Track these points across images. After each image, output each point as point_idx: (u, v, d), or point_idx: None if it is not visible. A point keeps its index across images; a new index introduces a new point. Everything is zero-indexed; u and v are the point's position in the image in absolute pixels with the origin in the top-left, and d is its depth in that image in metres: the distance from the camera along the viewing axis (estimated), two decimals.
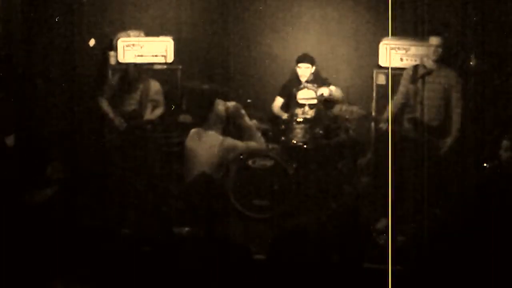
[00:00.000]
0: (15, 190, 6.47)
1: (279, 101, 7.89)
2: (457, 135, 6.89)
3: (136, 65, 7.60)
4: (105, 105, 7.52)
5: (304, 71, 7.67)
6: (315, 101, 7.65)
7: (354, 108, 7.21)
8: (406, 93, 7.04)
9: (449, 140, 6.88)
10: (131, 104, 7.53)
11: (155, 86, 7.59)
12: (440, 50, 6.85)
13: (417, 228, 6.63)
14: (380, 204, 7.18)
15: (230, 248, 4.38)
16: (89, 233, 5.18)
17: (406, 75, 7.07)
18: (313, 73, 7.71)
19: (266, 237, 6.42)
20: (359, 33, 8.15)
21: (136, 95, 7.51)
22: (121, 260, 4.45)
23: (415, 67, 7.02)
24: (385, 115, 7.14)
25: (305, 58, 7.68)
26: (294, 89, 7.71)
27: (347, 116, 7.27)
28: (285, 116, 7.64)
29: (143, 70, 7.61)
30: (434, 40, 6.87)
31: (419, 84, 6.84)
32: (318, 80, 7.75)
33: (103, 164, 7.63)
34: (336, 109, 7.32)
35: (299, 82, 7.73)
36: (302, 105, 7.65)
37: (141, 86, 7.51)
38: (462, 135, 7.10)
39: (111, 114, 7.50)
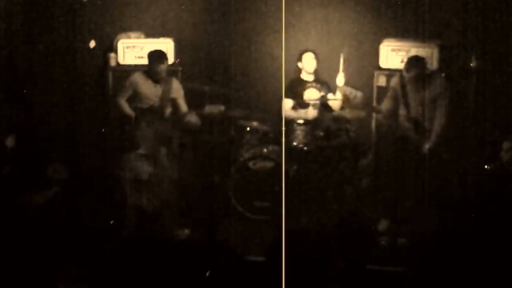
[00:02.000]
0: (16, 191, 6.49)
1: (288, 102, 7.74)
2: (435, 141, 6.84)
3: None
4: (124, 106, 7.29)
5: (310, 62, 7.65)
6: (318, 102, 7.65)
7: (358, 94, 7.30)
8: (394, 99, 7.04)
9: (427, 146, 6.84)
10: (151, 100, 7.31)
11: (176, 84, 7.42)
12: (415, 80, 6.83)
13: (418, 229, 6.64)
14: (381, 205, 7.19)
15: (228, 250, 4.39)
16: (90, 234, 5.19)
17: (393, 83, 7.08)
18: (314, 72, 7.70)
19: (267, 239, 6.44)
20: (360, 33, 8.13)
21: (158, 90, 7.33)
22: (121, 261, 4.45)
23: (402, 75, 7.00)
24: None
25: (308, 50, 7.70)
26: (300, 88, 7.70)
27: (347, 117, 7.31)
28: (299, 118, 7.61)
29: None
30: (407, 74, 6.84)
31: (408, 90, 6.87)
32: (318, 81, 7.75)
33: (105, 164, 7.61)
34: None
35: (301, 81, 7.72)
36: (307, 105, 7.63)
37: (163, 79, 7.31)
38: (461, 136, 7.11)
39: (127, 109, 7.27)
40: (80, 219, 6.43)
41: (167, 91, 7.31)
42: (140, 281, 4.32)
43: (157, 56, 7.28)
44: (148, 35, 8.01)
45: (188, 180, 7.24)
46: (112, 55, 7.86)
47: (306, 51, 7.68)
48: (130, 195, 6.53)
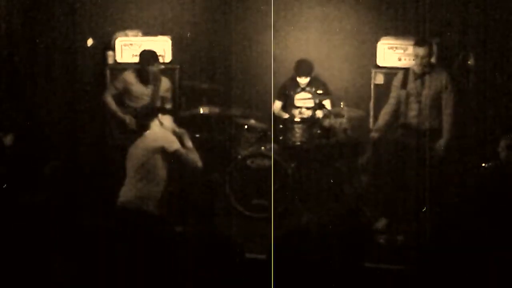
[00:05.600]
0: (13, 189, 6.48)
1: (278, 104, 7.89)
2: (448, 136, 6.85)
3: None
4: (111, 103, 7.32)
5: (304, 80, 7.70)
6: (312, 103, 7.64)
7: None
8: (397, 98, 7.00)
9: (442, 142, 6.84)
10: (142, 99, 7.34)
11: (166, 83, 7.45)
12: (426, 60, 6.77)
13: (417, 228, 6.63)
14: (380, 204, 7.18)
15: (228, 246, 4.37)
16: (89, 234, 5.20)
17: (396, 81, 7.04)
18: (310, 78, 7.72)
19: (266, 237, 6.43)
20: (360, 32, 8.13)
21: (148, 90, 7.33)
22: (120, 260, 4.46)
23: (405, 72, 6.98)
24: (378, 124, 7.14)
25: (303, 70, 7.66)
26: (292, 92, 7.72)
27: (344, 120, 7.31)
28: (286, 116, 7.66)
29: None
30: (420, 50, 6.77)
31: (410, 89, 6.84)
32: (315, 82, 7.74)
33: (105, 163, 7.61)
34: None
35: (296, 83, 7.72)
36: (299, 107, 7.66)
37: (153, 79, 7.31)
38: (461, 135, 7.09)
39: (119, 113, 7.31)
40: (79, 218, 6.42)
41: (157, 89, 7.33)
42: (138, 280, 4.32)
43: (148, 58, 7.30)
44: (146, 33, 8.02)
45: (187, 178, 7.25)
46: (110, 53, 7.87)
47: (301, 72, 7.66)
48: None
